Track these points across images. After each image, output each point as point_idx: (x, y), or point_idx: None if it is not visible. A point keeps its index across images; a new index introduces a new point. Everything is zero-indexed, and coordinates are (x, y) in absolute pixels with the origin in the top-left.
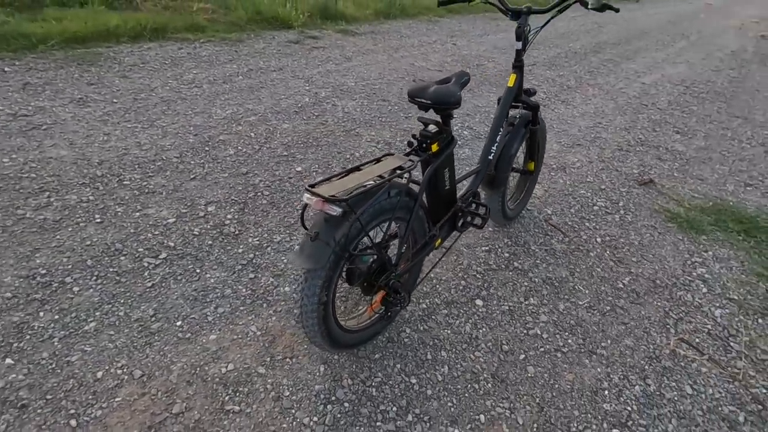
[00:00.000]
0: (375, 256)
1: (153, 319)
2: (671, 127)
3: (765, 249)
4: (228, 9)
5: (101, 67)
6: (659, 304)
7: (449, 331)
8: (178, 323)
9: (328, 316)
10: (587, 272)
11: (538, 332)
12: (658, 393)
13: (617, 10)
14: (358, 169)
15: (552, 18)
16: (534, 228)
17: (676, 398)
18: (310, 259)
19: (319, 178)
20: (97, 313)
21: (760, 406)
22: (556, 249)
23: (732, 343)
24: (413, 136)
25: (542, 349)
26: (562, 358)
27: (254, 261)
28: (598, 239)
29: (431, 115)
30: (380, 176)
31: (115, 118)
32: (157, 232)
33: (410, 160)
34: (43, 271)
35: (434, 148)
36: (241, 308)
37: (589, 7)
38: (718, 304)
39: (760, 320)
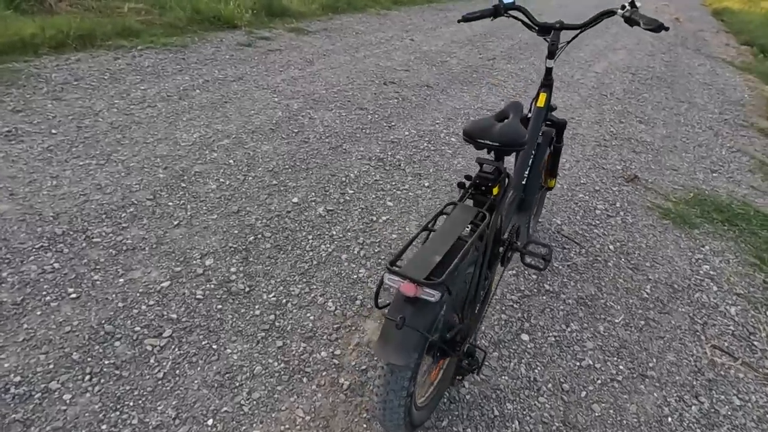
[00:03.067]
0: (459, 328)
1: (177, 422)
2: (633, 117)
3: (748, 237)
4: (163, 9)
5: (25, 88)
6: (683, 310)
7: (506, 378)
8: (210, 422)
9: (412, 404)
10: (612, 285)
11: (590, 362)
12: (713, 410)
13: (665, 28)
14: (428, 229)
15: (581, 32)
16: (550, 241)
17: (729, 413)
18: (400, 353)
19: (393, 251)
20: (104, 427)
21: None
22: (577, 263)
23: (755, 342)
24: (466, 177)
25: (599, 382)
26: (619, 389)
27: (277, 324)
28: (611, 246)
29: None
30: (460, 238)
31: (61, 155)
32: (151, 302)
33: (480, 212)
34: (17, 379)
35: (495, 191)
36: (279, 388)
37: (643, 26)
38: (730, 302)
39: None
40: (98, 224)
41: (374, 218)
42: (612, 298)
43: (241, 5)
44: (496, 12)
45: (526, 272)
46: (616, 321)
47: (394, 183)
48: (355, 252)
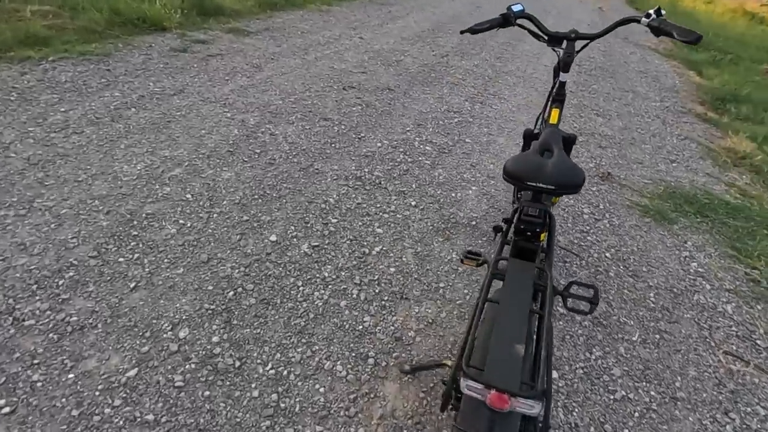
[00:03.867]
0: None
1: None
2: (590, 110)
3: (720, 227)
4: (74, 11)
5: None
6: (688, 316)
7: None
8: None
9: None
10: (620, 297)
11: (623, 392)
12: (744, 426)
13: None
14: (489, 300)
15: (591, 42)
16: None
17: (758, 426)
18: None
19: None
20: None
21: None
22: (581, 277)
23: (757, 341)
24: (504, 221)
25: (637, 414)
26: (657, 419)
27: (282, 405)
28: (608, 254)
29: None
30: (531, 311)
31: None
32: (117, 402)
33: (540, 269)
34: None
35: (543, 237)
36: None
37: (677, 37)
38: (724, 299)
39: (758, 306)
40: (28, 299)
41: (366, 250)
42: (623, 312)
43: (168, 4)
44: (505, 21)
45: None
46: (634, 339)
47: (378, 205)
48: (354, 295)
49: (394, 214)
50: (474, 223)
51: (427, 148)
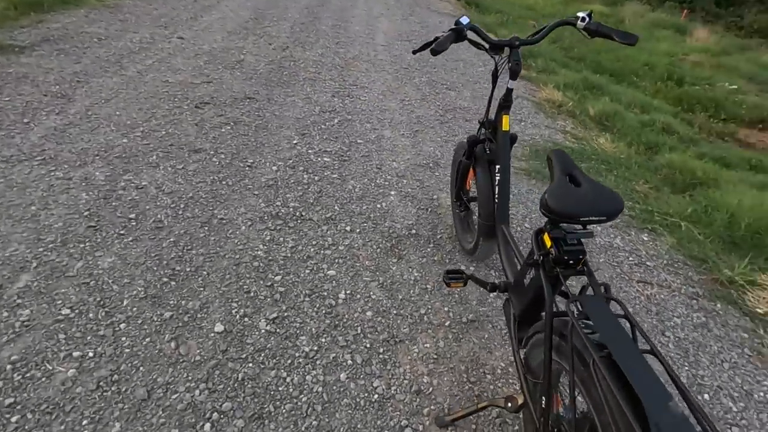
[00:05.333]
0: None
1: None
2: (441, 85)
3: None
4: None
5: None
6: (602, 259)
7: None
8: None
9: None
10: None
11: None
12: (676, 338)
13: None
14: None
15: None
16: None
17: (683, 335)
18: None
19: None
20: None
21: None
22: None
23: (647, 263)
24: (544, 254)
25: None
26: None
27: None
28: (527, 225)
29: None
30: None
31: None
32: None
33: (613, 299)
34: None
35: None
36: None
37: (618, 40)
38: (612, 235)
39: (631, 233)
40: None
41: (332, 302)
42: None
43: None
44: (459, 35)
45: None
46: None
47: (314, 242)
48: (350, 362)
49: (335, 248)
50: (414, 231)
51: (326, 159)
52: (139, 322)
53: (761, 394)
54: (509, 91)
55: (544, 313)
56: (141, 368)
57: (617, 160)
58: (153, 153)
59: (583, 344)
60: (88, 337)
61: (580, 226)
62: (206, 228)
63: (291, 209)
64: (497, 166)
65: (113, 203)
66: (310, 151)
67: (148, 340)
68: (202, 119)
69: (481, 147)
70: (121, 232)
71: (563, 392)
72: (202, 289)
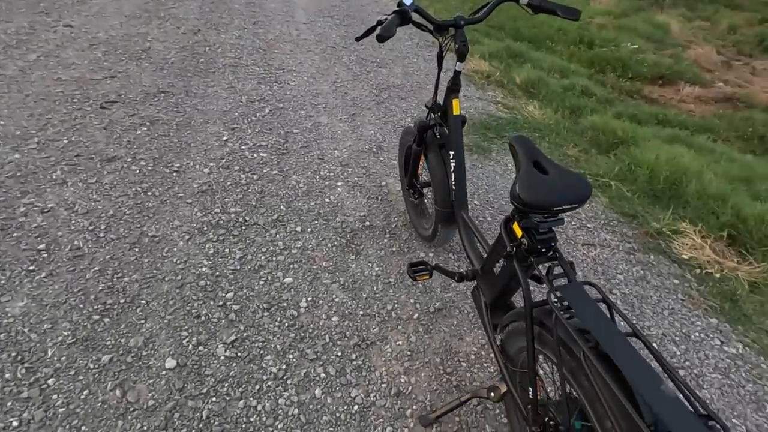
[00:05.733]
0: None
1: None
2: (371, 63)
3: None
4: None
5: None
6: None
7: None
8: None
9: None
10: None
11: None
12: (629, 293)
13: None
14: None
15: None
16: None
17: (628, 290)
18: None
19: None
20: None
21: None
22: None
23: (587, 225)
24: (517, 245)
25: None
26: None
27: None
28: (476, 202)
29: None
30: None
31: None
32: None
33: (591, 284)
34: None
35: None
36: None
37: (562, 15)
38: None
39: None
40: None
41: (293, 312)
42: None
43: None
44: (404, 17)
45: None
46: None
47: (264, 249)
48: (323, 375)
49: (288, 252)
50: (367, 222)
51: (263, 154)
52: (72, 373)
53: (696, 334)
54: (457, 73)
55: (515, 299)
56: (83, 428)
57: (547, 126)
58: (56, 167)
59: (568, 335)
60: (9, 403)
61: (548, 215)
62: (137, 249)
63: (232, 215)
64: (451, 152)
65: (14, 234)
66: (243, 147)
67: (86, 392)
68: (110, 121)
69: (431, 132)
70: (30, 268)
71: (542, 376)
72: (143, 321)
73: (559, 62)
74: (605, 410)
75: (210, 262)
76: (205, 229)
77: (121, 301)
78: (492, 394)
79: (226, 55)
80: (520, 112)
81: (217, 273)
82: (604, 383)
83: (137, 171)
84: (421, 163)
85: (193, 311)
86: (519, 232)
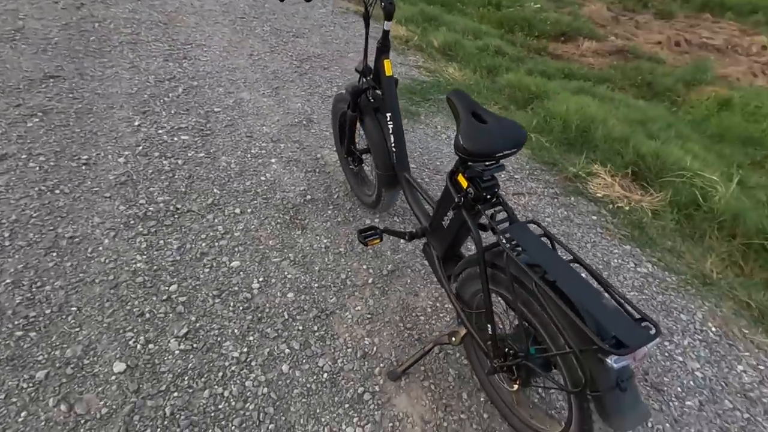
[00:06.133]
0: None
1: None
2: (287, 34)
3: (438, 104)
4: None
5: None
6: None
7: None
8: None
9: None
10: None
11: None
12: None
13: None
14: (550, 283)
15: None
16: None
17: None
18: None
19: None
20: None
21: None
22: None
23: (514, 176)
24: (464, 195)
25: None
26: None
27: None
28: (413, 167)
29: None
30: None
31: None
32: None
33: (533, 222)
34: None
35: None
36: None
37: None
38: None
39: None
40: None
41: (246, 295)
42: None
43: None
44: None
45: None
46: None
47: (203, 236)
48: (287, 351)
49: (231, 236)
50: (309, 196)
51: (184, 137)
52: (2, 397)
53: (615, 260)
54: (386, 33)
55: (464, 249)
56: None
57: (468, 86)
58: None
59: (520, 269)
60: None
61: (491, 162)
62: (54, 254)
63: (161, 205)
64: (387, 114)
65: None
66: (160, 131)
67: (24, 414)
68: None
69: (365, 96)
70: None
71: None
72: (77, 329)
73: (472, 24)
74: (557, 330)
75: (144, 257)
76: (132, 222)
77: (47, 311)
78: (453, 339)
79: (121, 31)
80: (442, 75)
81: (155, 267)
82: (555, 306)
83: (37, 168)
84: (357, 129)
85: (134, 310)
86: (464, 183)
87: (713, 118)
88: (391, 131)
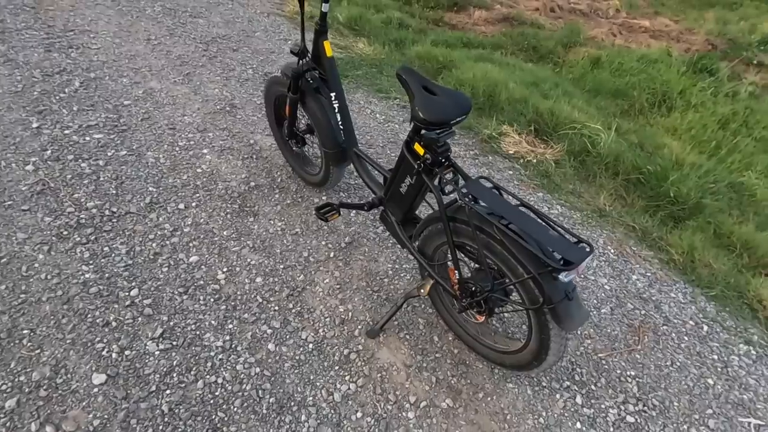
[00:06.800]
0: None
1: None
2: (183, 14)
3: (362, 80)
4: None
5: None
6: None
7: None
8: None
9: None
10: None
11: None
12: None
13: None
14: (509, 230)
15: None
16: None
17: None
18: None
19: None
20: None
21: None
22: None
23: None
24: (422, 161)
25: None
26: None
27: None
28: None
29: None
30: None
31: None
32: None
33: (486, 179)
34: None
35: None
36: None
37: None
38: (404, 129)
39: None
40: None
41: (214, 287)
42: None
43: None
44: None
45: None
46: None
47: (152, 236)
48: (268, 333)
49: (180, 232)
50: (252, 183)
51: (97, 136)
52: None
53: None
54: (324, 15)
55: (420, 212)
56: None
57: (381, 61)
58: None
59: (482, 219)
60: None
61: (443, 129)
62: None
63: (94, 210)
64: (332, 94)
65: None
66: (67, 131)
67: None
68: None
69: (305, 79)
70: None
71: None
72: (38, 350)
73: None
74: (515, 262)
75: (92, 266)
76: (65, 233)
77: None
78: (422, 290)
79: (6, 24)
80: (353, 51)
81: (107, 274)
82: (514, 243)
83: None
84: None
85: (97, 321)
86: (421, 150)
87: (588, 75)
88: (336, 110)
